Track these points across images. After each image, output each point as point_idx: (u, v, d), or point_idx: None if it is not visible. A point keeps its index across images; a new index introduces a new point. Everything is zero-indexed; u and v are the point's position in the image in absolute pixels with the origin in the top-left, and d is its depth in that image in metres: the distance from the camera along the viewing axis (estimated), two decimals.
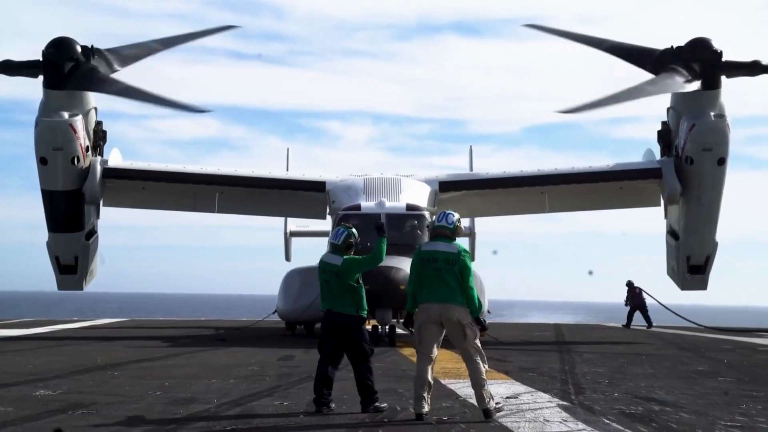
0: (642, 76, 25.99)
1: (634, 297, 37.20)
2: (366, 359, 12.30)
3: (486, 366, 11.47)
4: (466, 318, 11.38)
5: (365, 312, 12.38)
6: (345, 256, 12.37)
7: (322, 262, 12.56)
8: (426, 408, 11.28)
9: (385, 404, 12.15)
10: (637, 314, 37.19)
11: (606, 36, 27.28)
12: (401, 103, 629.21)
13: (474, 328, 11.43)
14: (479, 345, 11.48)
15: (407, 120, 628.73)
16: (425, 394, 11.31)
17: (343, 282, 12.25)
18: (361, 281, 12.40)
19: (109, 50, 26.00)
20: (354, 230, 12.69)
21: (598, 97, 24.63)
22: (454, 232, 11.61)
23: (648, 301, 37.01)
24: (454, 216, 11.69)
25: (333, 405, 12.14)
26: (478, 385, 11.31)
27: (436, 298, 11.37)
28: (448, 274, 11.33)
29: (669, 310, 33.92)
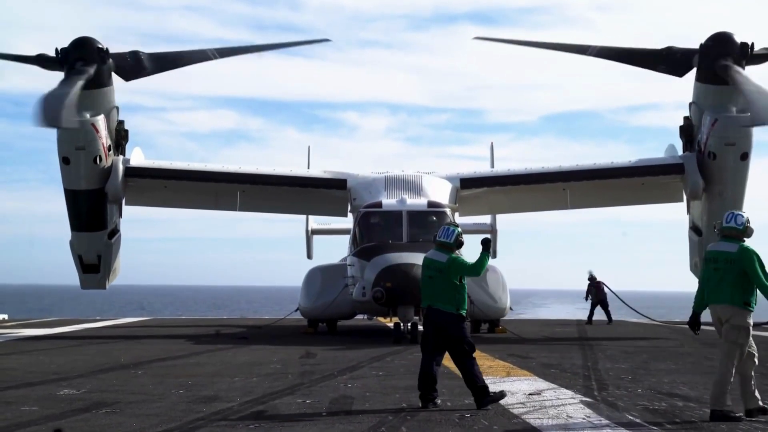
0: (648, 74, 26.02)
1: (599, 292, 36.83)
2: (468, 356, 12.32)
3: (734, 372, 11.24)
4: (736, 318, 11.18)
5: (465, 311, 12.51)
6: (451, 255, 12.54)
7: (426, 258, 12.77)
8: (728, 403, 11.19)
9: (501, 390, 12.20)
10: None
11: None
12: (418, 93, 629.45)
13: (737, 328, 11.20)
14: (743, 342, 11.22)
15: (424, 110, 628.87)
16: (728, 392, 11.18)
17: (447, 279, 12.39)
18: (464, 281, 12.54)
19: (150, 54, 26.16)
20: (460, 230, 12.92)
21: None
22: (743, 233, 11.49)
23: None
24: (743, 217, 11.57)
25: (439, 401, 12.23)
26: (717, 383, 11.23)
27: (713, 299, 11.42)
28: (727, 274, 11.24)
29: (627, 305, 34.37)
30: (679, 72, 25.88)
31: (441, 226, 13.24)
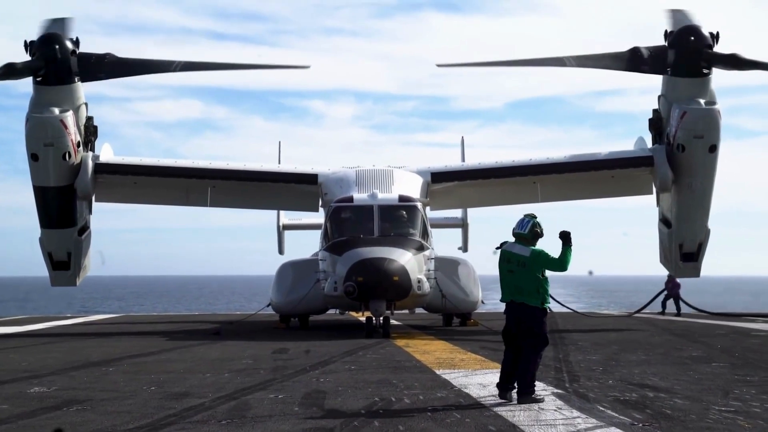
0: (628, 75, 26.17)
1: None
2: (538, 350, 12.19)
3: None
4: None
5: (549, 305, 12.33)
6: (533, 248, 12.18)
7: (505, 252, 12.34)
8: None
9: (542, 396, 11.96)
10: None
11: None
12: (384, 80, 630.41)
13: None
14: None
15: (390, 97, 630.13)
16: None
17: (529, 273, 12.11)
18: (545, 274, 12.25)
19: (118, 59, 25.98)
20: (538, 219, 12.48)
21: None
22: None
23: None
24: None
25: (515, 395, 12.02)
26: None
27: None
28: None
29: (554, 299, 34.41)
30: (663, 70, 26.03)
31: (520, 218, 12.53)
